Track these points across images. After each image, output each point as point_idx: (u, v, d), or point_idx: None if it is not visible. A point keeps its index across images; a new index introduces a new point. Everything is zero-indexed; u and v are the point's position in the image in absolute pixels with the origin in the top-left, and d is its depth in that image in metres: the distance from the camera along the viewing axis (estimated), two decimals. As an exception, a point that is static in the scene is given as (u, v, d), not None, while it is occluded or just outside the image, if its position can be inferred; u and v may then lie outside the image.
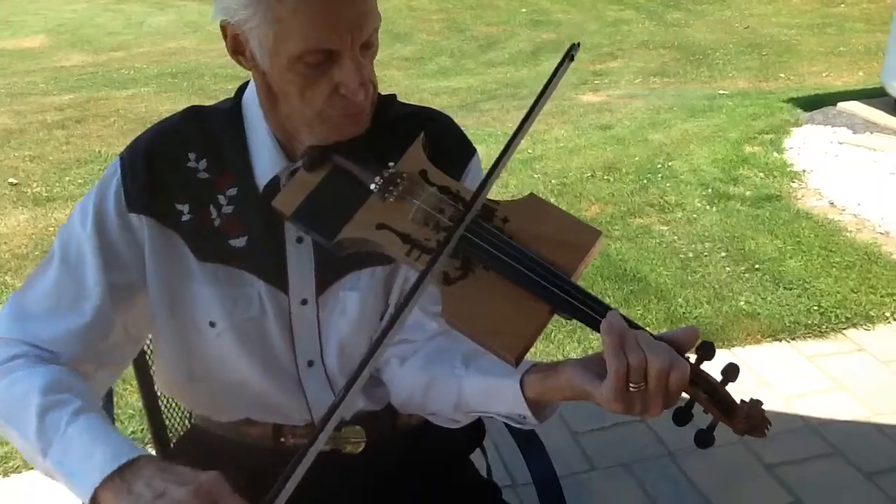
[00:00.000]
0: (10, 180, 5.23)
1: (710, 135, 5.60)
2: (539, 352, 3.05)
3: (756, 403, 0.97)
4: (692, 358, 0.97)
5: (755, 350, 3.12)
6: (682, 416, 0.96)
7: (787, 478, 2.49)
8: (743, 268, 3.74)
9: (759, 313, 3.35)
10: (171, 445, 1.56)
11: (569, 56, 1.07)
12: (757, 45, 9.28)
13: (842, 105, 5.96)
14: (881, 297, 3.47)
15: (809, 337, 3.22)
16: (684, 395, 0.96)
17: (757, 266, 3.75)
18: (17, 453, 2.55)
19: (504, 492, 1.50)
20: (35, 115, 6.95)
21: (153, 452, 1.53)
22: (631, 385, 0.94)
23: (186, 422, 1.56)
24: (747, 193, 4.57)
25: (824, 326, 3.27)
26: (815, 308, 3.39)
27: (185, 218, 1.18)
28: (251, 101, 1.18)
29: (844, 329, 3.26)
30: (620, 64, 8.69)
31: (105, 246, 1.16)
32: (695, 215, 4.32)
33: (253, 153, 1.18)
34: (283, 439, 1.31)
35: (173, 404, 1.57)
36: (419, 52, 9.59)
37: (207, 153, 1.19)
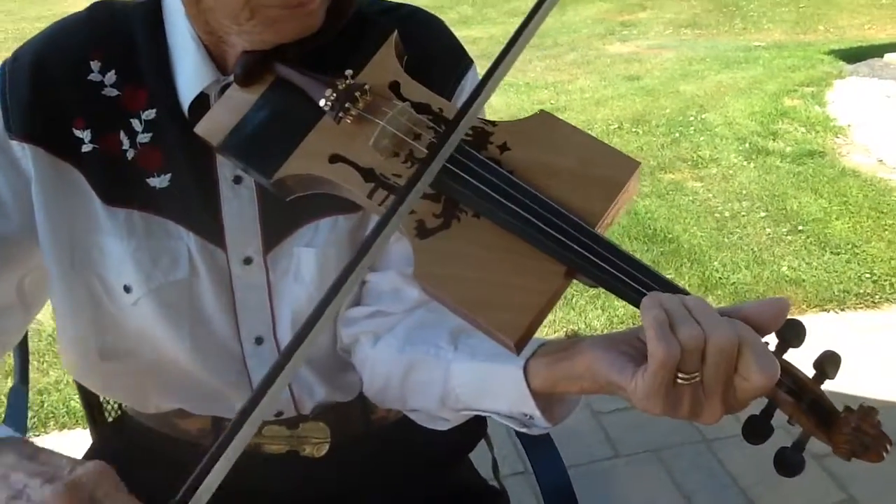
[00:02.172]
0: None
1: (746, 87, 5.24)
2: (556, 320, 2.75)
3: (869, 414, 0.69)
4: (771, 344, 0.69)
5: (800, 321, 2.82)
6: (758, 429, 0.69)
7: (839, 471, 2.19)
8: (785, 229, 3.42)
9: (803, 280, 3.04)
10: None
11: None
12: (794, -4, 8.84)
13: (889, 56, 5.56)
14: (942, 263, 3.14)
15: (861, 307, 2.91)
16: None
17: (800, 227, 3.43)
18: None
19: (515, 480, 1.21)
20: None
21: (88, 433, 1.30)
22: (680, 376, 0.66)
23: (117, 405, 1.28)
24: (787, 149, 4.22)
25: (878, 296, 2.96)
26: (867, 275, 3.07)
27: (86, 148, 0.89)
28: None
29: (901, 299, 2.94)
30: (650, 15, 8.32)
31: None
32: (731, 171, 3.99)
33: (175, 63, 0.89)
34: None
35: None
36: (440, 0, 9.24)
37: (117, 63, 0.89)
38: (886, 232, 3.37)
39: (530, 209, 0.72)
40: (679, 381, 0.67)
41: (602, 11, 8.57)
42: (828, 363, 0.69)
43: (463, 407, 0.90)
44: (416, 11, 0.97)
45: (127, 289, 0.93)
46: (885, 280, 3.04)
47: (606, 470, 2.18)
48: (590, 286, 0.74)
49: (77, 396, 2.39)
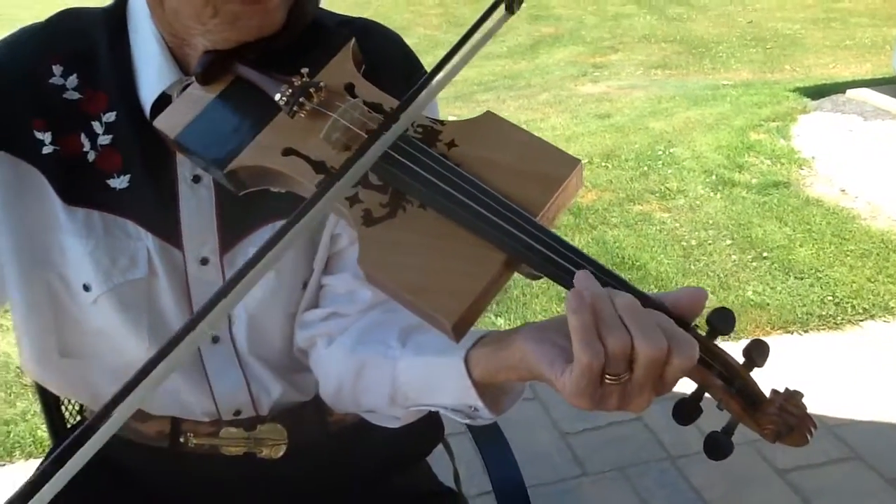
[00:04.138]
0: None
1: (714, 122, 5.34)
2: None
3: (794, 395, 0.70)
4: (702, 330, 0.70)
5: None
6: (687, 411, 0.70)
7: (802, 484, 2.22)
8: (750, 256, 3.48)
9: (768, 304, 3.09)
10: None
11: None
12: (761, 38, 9.04)
13: (851, 93, 5.70)
14: (901, 286, 3.20)
15: (823, 329, 2.96)
16: (689, 380, 0.70)
17: (765, 254, 3.49)
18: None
19: (477, 501, 1.23)
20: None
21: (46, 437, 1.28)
22: (608, 377, 0.66)
23: (78, 409, 1.29)
24: (753, 180, 4.30)
25: (839, 318, 3.01)
26: (830, 298, 3.12)
27: (46, 149, 0.91)
28: (138, 1, 0.92)
29: (861, 321, 3.00)
30: (621, 57, 8.47)
31: None
32: (698, 202, 4.06)
33: (138, 67, 0.92)
34: (182, 439, 1.06)
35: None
36: (416, 45, 9.29)
37: (78, 67, 0.92)
38: (848, 257, 3.43)
39: (474, 198, 0.73)
40: (607, 381, 0.66)
41: (575, 54, 8.72)
42: (756, 352, 0.70)
43: (412, 403, 0.91)
44: (374, 24, 1.02)
45: (86, 287, 0.95)
46: (847, 303, 3.09)
47: (573, 489, 2.19)
48: (533, 278, 0.75)
49: (45, 426, 2.39)
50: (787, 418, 0.69)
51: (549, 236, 0.71)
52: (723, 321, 0.69)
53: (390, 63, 0.96)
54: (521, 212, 0.72)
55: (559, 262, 0.71)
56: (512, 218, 0.72)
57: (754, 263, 3.41)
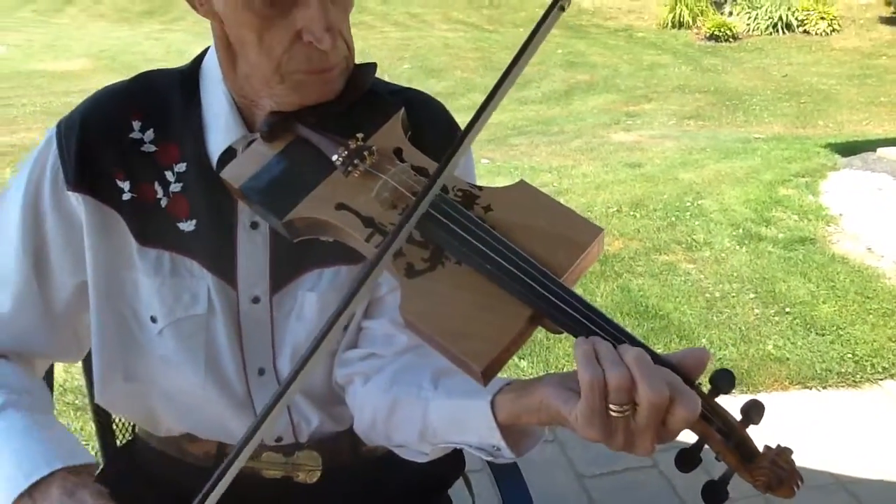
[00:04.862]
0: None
1: (743, 176, 5.41)
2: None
3: (784, 451, 0.76)
4: (705, 389, 0.78)
5: (782, 397, 2.91)
6: (688, 460, 0.77)
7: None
8: (772, 310, 3.54)
9: (788, 358, 3.14)
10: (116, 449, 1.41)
11: (559, 6, 0.90)
12: (795, 92, 9.12)
13: (882, 150, 5.75)
14: (922, 347, 3.24)
15: (842, 386, 3.00)
16: (691, 432, 0.78)
17: (787, 309, 3.54)
18: None
19: None
20: (63, 133, 7.02)
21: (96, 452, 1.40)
22: (612, 407, 0.75)
23: (130, 430, 1.40)
24: (780, 235, 4.36)
25: (859, 376, 3.05)
26: (850, 356, 3.16)
27: (126, 196, 1.03)
28: (210, 65, 1.04)
29: (881, 380, 3.03)
30: (654, 106, 8.58)
31: (36, 234, 1.04)
32: (723, 255, 4.13)
33: (208, 123, 1.04)
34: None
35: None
36: (453, 87, 9.55)
37: (154, 122, 1.04)
38: (870, 315, 3.47)
39: (506, 258, 0.81)
40: (612, 412, 0.74)
41: (608, 102, 8.85)
42: (753, 410, 0.76)
43: (440, 441, 0.99)
44: (420, 94, 1.12)
45: (153, 319, 1.05)
46: (867, 361, 3.13)
47: (588, 530, 2.27)
48: (555, 332, 0.82)
49: (84, 441, 2.51)
50: (778, 472, 0.75)
51: (571, 296, 0.79)
52: (724, 381, 0.76)
53: (434, 131, 1.07)
54: (547, 273, 0.80)
55: (580, 320, 0.79)
56: (539, 278, 0.80)
57: (776, 318, 3.47)
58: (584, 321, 0.79)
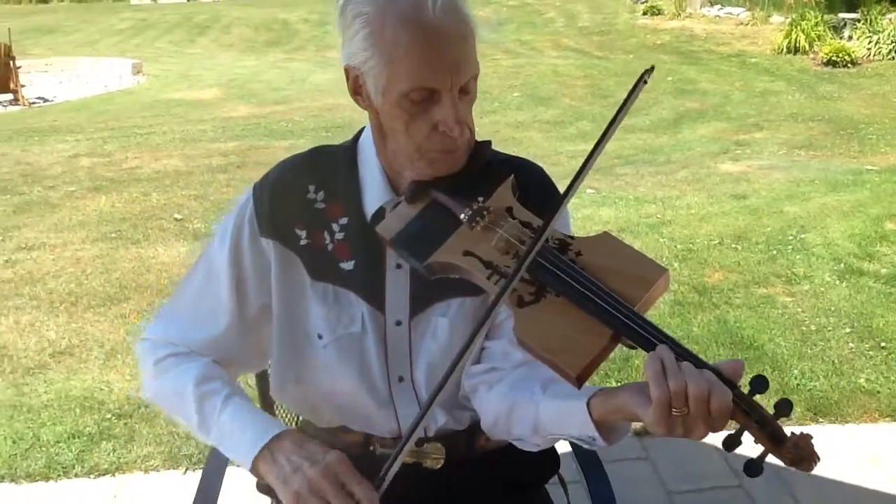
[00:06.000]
0: (176, 216, 5.81)
1: (850, 210, 5.44)
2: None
3: (805, 437, 1.02)
4: (745, 390, 1.05)
5: (870, 428, 3.02)
6: (731, 442, 1.02)
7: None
8: (868, 345, 3.64)
9: (879, 391, 3.25)
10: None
11: (642, 80, 1.16)
12: (915, 121, 8.86)
13: None
14: None
15: (932, 421, 3.08)
16: (736, 423, 1.04)
17: (883, 344, 3.63)
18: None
19: None
20: (202, 160, 7.67)
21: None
22: (674, 410, 1.02)
23: (295, 421, 1.75)
24: (883, 271, 4.41)
25: (951, 411, 3.12)
26: (943, 392, 3.23)
27: (303, 242, 1.36)
28: (366, 142, 1.38)
29: (974, 419, 3.09)
30: (765, 135, 8.53)
31: (238, 267, 1.38)
32: (822, 289, 4.23)
33: (364, 187, 1.36)
34: (372, 447, 1.47)
35: (283, 411, 1.77)
36: (561, 115, 9.79)
37: (325, 186, 1.36)
38: (967, 353, 3.53)
39: (592, 292, 1.08)
40: (674, 413, 1.02)
41: (718, 130, 8.83)
42: (784, 407, 1.01)
43: (548, 433, 1.29)
44: (526, 162, 1.44)
45: (320, 336, 1.38)
46: (961, 398, 3.20)
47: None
48: (630, 347, 1.08)
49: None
50: (800, 452, 1.00)
51: (642, 320, 1.06)
52: (759, 384, 1.02)
53: (536, 192, 1.35)
54: (623, 303, 1.07)
55: (647, 337, 1.06)
56: (617, 307, 1.07)
57: (871, 352, 3.57)
58: (652, 339, 1.06)
